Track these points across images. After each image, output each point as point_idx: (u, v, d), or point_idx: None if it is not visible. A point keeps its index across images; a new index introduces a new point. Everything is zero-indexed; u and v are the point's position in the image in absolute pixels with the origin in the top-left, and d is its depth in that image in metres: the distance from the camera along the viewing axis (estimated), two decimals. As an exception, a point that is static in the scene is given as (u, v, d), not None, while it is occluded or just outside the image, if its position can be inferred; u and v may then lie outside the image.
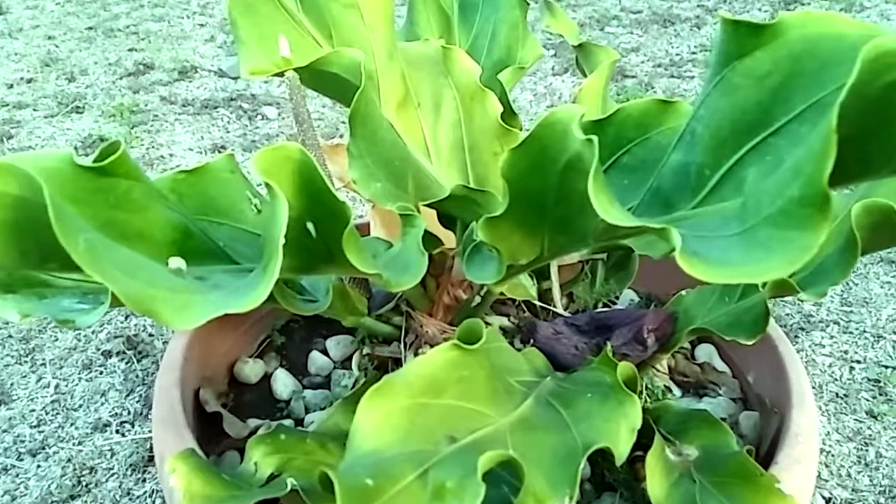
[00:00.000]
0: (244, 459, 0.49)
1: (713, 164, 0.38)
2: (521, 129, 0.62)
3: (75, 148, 1.72)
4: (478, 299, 0.58)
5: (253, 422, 0.62)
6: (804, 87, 0.35)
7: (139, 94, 2.00)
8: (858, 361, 1.11)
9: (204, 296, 0.33)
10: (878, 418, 1.02)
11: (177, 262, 0.38)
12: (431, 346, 0.61)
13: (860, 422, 1.01)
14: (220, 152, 1.69)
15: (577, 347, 0.57)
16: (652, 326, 0.57)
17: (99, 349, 1.19)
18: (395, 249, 0.48)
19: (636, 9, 2.40)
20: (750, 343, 0.53)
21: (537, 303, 0.62)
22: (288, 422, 0.64)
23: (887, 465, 0.96)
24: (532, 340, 0.57)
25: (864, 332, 1.16)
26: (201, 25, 2.47)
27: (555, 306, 0.62)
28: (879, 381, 1.07)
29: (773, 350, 0.61)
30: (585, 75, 0.75)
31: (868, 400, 1.05)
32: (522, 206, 0.43)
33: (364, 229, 0.72)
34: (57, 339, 1.20)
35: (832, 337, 1.15)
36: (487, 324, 0.62)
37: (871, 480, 0.94)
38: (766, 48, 0.35)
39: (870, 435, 1.00)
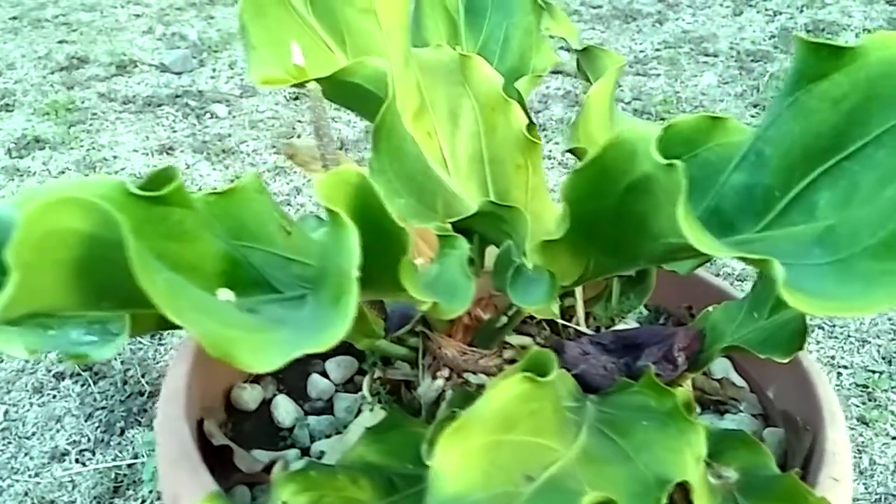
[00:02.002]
0: (271, 497, 0.48)
1: (782, 186, 0.39)
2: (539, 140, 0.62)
3: (8, 150, 1.66)
4: (503, 319, 0.58)
5: (259, 453, 0.61)
6: (881, 111, 0.36)
7: (74, 90, 1.94)
8: (845, 367, 1.15)
9: (276, 335, 0.32)
10: (870, 425, 1.05)
11: (226, 295, 0.37)
12: (451, 369, 0.61)
13: (852, 429, 1.04)
14: (168, 154, 1.66)
15: (606, 368, 0.58)
16: (682, 345, 0.58)
17: (50, 371, 1.15)
18: (432, 272, 0.48)
19: (596, 3, 2.43)
20: (785, 361, 0.54)
21: (560, 321, 0.62)
22: (294, 451, 0.63)
23: (881, 473, 1.00)
24: (561, 362, 0.57)
25: (849, 336, 1.20)
26: (137, 16, 2.41)
27: (578, 324, 0.63)
28: (868, 387, 1.11)
29: (796, 364, 0.62)
30: (588, 80, 0.75)
31: (858, 406, 1.08)
32: (577, 228, 0.43)
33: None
34: (2, 361, 1.16)
35: (818, 342, 1.19)
36: (508, 344, 0.62)
37: (866, 488, 0.98)
38: (843, 70, 0.36)
39: (862, 442, 1.03)
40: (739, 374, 0.70)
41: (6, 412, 1.08)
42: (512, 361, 0.62)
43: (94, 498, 0.97)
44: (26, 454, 1.03)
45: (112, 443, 1.04)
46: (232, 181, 1.60)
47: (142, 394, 1.11)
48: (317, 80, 0.53)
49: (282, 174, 1.62)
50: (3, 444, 1.04)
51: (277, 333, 0.32)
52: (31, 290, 0.27)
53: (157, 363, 1.17)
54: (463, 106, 0.59)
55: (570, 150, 0.71)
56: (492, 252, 0.63)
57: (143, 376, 1.14)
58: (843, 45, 0.36)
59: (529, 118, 0.60)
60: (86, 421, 1.07)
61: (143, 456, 1.01)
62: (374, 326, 0.57)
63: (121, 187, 0.33)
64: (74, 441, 1.04)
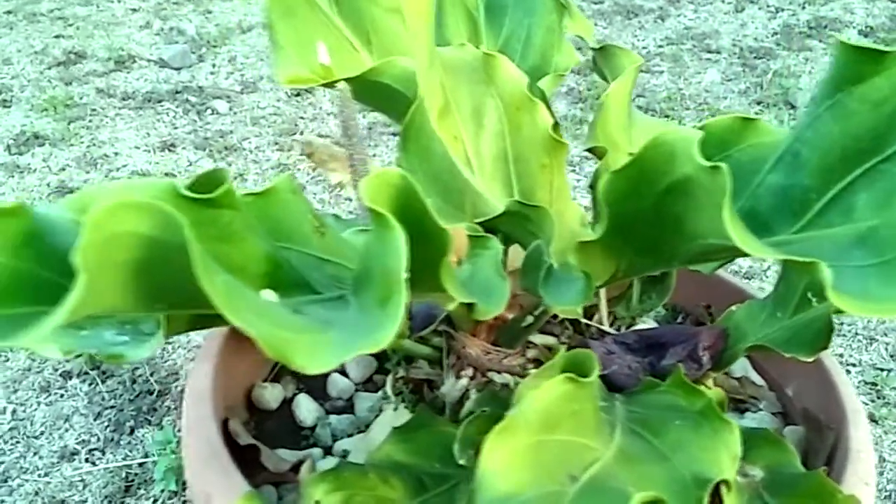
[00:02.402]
0: (303, 496, 0.49)
1: (820, 187, 0.40)
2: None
3: (7, 147, 1.66)
4: (529, 319, 0.58)
5: (283, 452, 0.61)
6: (921, 114, 0.37)
7: (72, 85, 1.94)
8: (854, 365, 1.16)
9: (327, 335, 0.33)
10: (879, 422, 1.06)
11: (269, 296, 0.38)
12: (475, 368, 0.61)
13: (862, 427, 1.05)
14: (170, 150, 1.66)
15: (631, 367, 0.58)
16: (706, 344, 0.58)
17: (56, 370, 1.15)
18: (465, 272, 0.48)
19: (598, -1, 2.44)
20: (810, 360, 0.55)
21: (583, 321, 0.63)
22: (317, 450, 0.63)
23: (891, 470, 1.01)
24: (585, 361, 0.58)
25: (857, 334, 1.21)
26: (133, 10, 2.40)
27: (601, 324, 0.63)
28: (876, 384, 1.12)
29: (817, 363, 0.63)
30: (605, 79, 0.76)
31: (867, 404, 1.09)
32: (614, 229, 0.43)
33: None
34: (8, 360, 1.16)
35: (827, 340, 1.20)
36: (532, 343, 0.62)
37: (875, 486, 0.99)
38: (884, 74, 0.37)
39: (871, 440, 1.04)
40: (758, 372, 0.71)
41: (13, 411, 1.08)
42: (536, 360, 0.62)
43: (106, 497, 0.97)
44: (35, 454, 1.03)
45: (122, 442, 1.04)
46: (235, 178, 1.60)
47: (150, 392, 1.12)
48: (345, 80, 0.53)
49: (285, 172, 1.62)
50: (12, 444, 1.04)
51: (328, 334, 0.33)
52: (96, 293, 0.27)
53: (166, 362, 1.17)
54: (487, 105, 0.60)
55: (589, 150, 0.71)
56: (516, 251, 0.63)
57: (151, 375, 1.14)
58: (884, 49, 0.37)
59: (554, 118, 0.61)
60: (95, 420, 1.07)
61: (153, 455, 1.01)
62: (402, 326, 0.58)
63: (172, 190, 0.33)
64: (84, 440, 1.05)
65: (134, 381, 1.13)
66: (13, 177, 1.56)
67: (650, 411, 0.49)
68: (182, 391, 1.12)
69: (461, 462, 0.47)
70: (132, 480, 0.99)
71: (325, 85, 0.54)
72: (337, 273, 0.46)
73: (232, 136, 1.74)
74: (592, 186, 0.72)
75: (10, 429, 1.06)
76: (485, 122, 0.60)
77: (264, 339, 0.30)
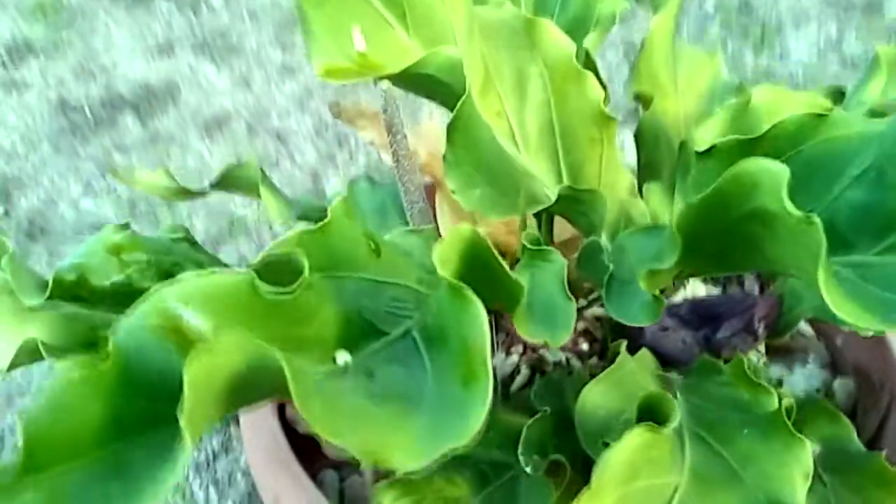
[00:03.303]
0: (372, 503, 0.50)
1: (906, 212, 0.39)
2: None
3: (2, 62, 1.61)
4: (582, 302, 0.58)
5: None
6: None
7: (57, -15, 1.85)
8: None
9: (415, 427, 0.33)
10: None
11: (343, 357, 0.38)
12: (524, 345, 0.62)
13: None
14: (168, 55, 1.60)
15: (685, 341, 0.59)
16: (762, 314, 0.58)
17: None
18: (521, 283, 0.48)
19: None
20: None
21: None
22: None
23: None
24: (640, 338, 0.58)
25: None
26: None
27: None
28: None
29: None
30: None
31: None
32: (684, 251, 0.42)
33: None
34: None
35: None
36: (581, 313, 0.62)
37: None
38: None
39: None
40: (807, 322, 0.71)
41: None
42: (585, 332, 0.63)
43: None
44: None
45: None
46: (241, 84, 1.56)
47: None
48: (388, 75, 0.51)
49: (290, 75, 1.57)
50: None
51: (415, 424, 0.33)
52: (195, 424, 0.27)
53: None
54: (530, 73, 0.57)
55: (634, 97, 0.69)
56: (562, 223, 0.62)
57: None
58: None
59: (605, 88, 0.58)
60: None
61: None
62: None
63: (248, 287, 0.32)
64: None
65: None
66: (12, 95, 1.52)
67: (713, 407, 0.50)
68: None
69: (527, 470, 0.48)
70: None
71: (362, 76, 0.51)
72: (396, 295, 0.46)
73: (231, 35, 1.68)
74: (637, 136, 0.70)
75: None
76: (528, 91, 0.58)
77: (361, 451, 0.30)
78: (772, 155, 0.45)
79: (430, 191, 0.67)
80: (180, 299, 0.32)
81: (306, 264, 0.34)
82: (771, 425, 0.45)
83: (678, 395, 0.52)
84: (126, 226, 0.50)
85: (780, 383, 0.66)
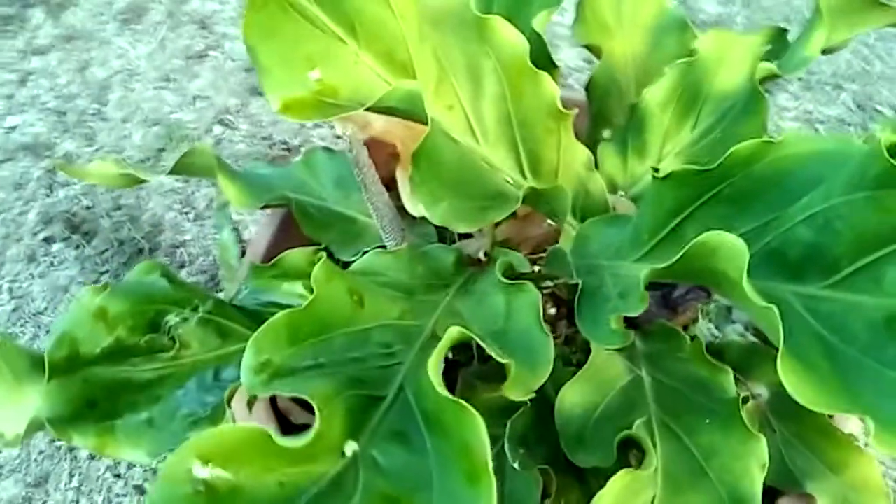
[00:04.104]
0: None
1: (852, 257, 0.42)
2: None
3: None
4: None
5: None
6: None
7: None
8: (822, 122, 1.21)
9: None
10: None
11: (351, 448, 0.41)
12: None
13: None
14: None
15: (644, 303, 0.63)
16: (714, 273, 0.63)
17: (36, 234, 1.16)
18: (496, 318, 0.50)
19: None
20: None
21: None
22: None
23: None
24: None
25: (824, 84, 1.24)
26: None
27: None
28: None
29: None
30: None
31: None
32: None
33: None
34: (-16, 235, 1.16)
35: (796, 97, 1.23)
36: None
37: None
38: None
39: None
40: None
41: (10, 290, 1.11)
42: (552, 295, 0.67)
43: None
44: (47, 332, 1.08)
45: (129, 309, 1.09)
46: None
47: (140, 250, 1.14)
48: (349, 106, 0.51)
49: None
50: (21, 325, 1.08)
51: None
52: None
53: (144, 213, 1.18)
54: (484, 67, 0.57)
55: (585, 47, 0.69)
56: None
57: (132, 230, 1.16)
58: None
59: (551, 63, 0.59)
60: (95, 291, 1.11)
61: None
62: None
63: (263, 438, 0.35)
64: (91, 313, 1.09)
65: (121, 243, 1.15)
66: None
67: (676, 384, 0.55)
68: (174, 245, 1.15)
69: (515, 465, 0.54)
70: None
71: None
72: (382, 338, 0.49)
73: None
74: (588, 89, 0.71)
75: (14, 309, 1.10)
76: (483, 84, 0.58)
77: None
78: (723, 180, 0.48)
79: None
80: (202, 458, 0.35)
81: (317, 422, 0.36)
82: (730, 418, 0.51)
83: (643, 372, 0.57)
84: (104, 286, 0.51)
85: (728, 315, 0.72)
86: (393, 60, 0.55)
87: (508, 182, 0.59)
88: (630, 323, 0.63)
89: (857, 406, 0.38)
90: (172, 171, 0.66)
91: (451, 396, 0.38)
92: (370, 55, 0.54)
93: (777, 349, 0.38)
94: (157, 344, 0.52)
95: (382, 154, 0.73)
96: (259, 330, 0.44)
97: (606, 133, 0.70)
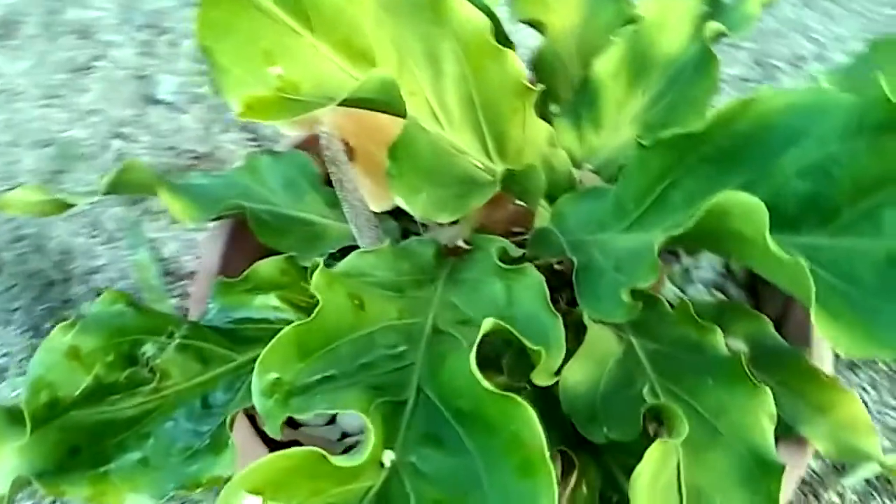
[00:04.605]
0: None
1: (850, 203, 0.43)
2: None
3: None
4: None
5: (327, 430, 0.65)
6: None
7: None
8: (725, 81, 1.25)
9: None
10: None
11: (388, 458, 0.39)
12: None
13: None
14: None
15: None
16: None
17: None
18: (497, 300, 0.49)
19: None
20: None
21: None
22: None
23: None
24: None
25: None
26: None
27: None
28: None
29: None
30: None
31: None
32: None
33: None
34: None
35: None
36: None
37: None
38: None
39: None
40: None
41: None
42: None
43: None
44: (-40, 382, 1.00)
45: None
46: None
47: (52, 283, 1.07)
48: (316, 103, 0.48)
49: None
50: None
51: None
52: None
53: (52, 240, 1.10)
54: (442, 49, 0.55)
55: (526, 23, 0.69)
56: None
57: (41, 261, 1.08)
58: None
59: (506, 39, 0.58)
60: (6, 328, 1.03)
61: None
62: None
63: (316, 466, 0.33)
64: (6, 354, 1.01)
65: (29, 276, 1.07)
66: None
67: (668, 349, 0.56)
68: (88, 273, 1.08)
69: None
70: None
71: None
72: (387, 339, 0.47)
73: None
74: (534, 65, 0.70)
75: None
76: (443, 67, 0.56)
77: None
78: (715, 144, 0.48)
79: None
80: (253, 491, 0.33)
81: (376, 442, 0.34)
82: (731, 375, 0.52)
83: (634, 341, 0.58)
84: (73, 324, 0.47)
85: (689, 276, 0.73)
86: (351, 48, 0.53)
87: (477, 166, 0.58)
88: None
89: (885, 348, 0.39)
90: (108, 192, 0.61)
91: (496, 390, 0.37)
92: (327, 45, 0.52)
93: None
94: (137, 378, 0.49)
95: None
96: (266, 349, 0.42)
97: (554, 108, 0.69)
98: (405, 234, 0.67)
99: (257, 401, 0.41)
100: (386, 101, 0.47)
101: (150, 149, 1.19)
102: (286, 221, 0.65)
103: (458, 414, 0.41)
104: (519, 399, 0.36)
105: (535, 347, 0.41)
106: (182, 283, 1.08)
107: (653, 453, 0.43)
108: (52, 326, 1.02)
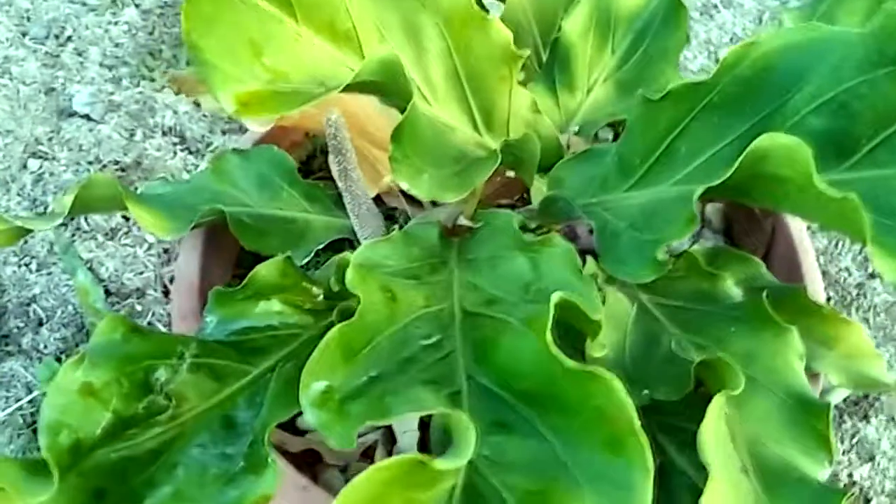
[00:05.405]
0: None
1: (870, 134, 0.43)
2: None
3: None
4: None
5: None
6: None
7: None
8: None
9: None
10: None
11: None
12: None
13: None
14: None
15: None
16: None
17: None
18: (521, 273, 0.47)
19: None
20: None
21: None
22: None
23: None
24: (576, 243, 0.61)
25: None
26: None
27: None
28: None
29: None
30: None
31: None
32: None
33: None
34: None
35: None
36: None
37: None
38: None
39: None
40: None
41: None
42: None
43: (20, 449, 0.91)
44: None
45: (-6, 386, 0.94)
46: None
47: (-14, 318, 0.99)
48: (313, 93, 0.45)
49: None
50: None
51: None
52: None
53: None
54: (422, 24, 0.53)
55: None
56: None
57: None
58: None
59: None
60: (-54, 376, 0.95)
61: (36, 387, 0.93)
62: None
63: (413, 473, 0.30)
64: (-51, 402, 0.93)
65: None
66: None
67: (683, 303, 0.55)
68: (24, 303, 1.00)
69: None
70: (34, 420, 0.92)
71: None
72: (421, 330, 0.45)
73: None
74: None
75: None
76: (425, 43, 0.54)
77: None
78: (720, 91, 0.47)
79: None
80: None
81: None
82: (754, 319, 0.51)
83: (645, 299, 0.57)
84: (81, 359, 0.43)
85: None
86: (335, 31, 0.49)
87: (469, 142, 0.56)
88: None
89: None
90: (71, 212, 0.56)
91: (578, 366, 0.35)
92: (311, 29, 0.49)
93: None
94: (155, 406, 0.45)
95: (286, 142, 0.68)
96: (313, 356, 0.39)
97: (519, 76, 0.68)
98: (389, 218, 0.64)
99: (311, 415, 0.38)
100: (390, 82, 0.45)
101: (71, 164, 1.12)
102: (266, 222, 0.61)
103: (524, 397, 0.39)
104: (601, 372, 0.35)
105: (596, 318, 0.39)
106: (128, 301, 1.02)
107: (714, 408, 0.42)
108: (-6, 366, 0.95)
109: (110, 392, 0.43)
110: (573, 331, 0.44)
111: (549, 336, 0.35)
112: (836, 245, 1.08)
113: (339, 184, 0.50)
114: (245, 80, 0.44)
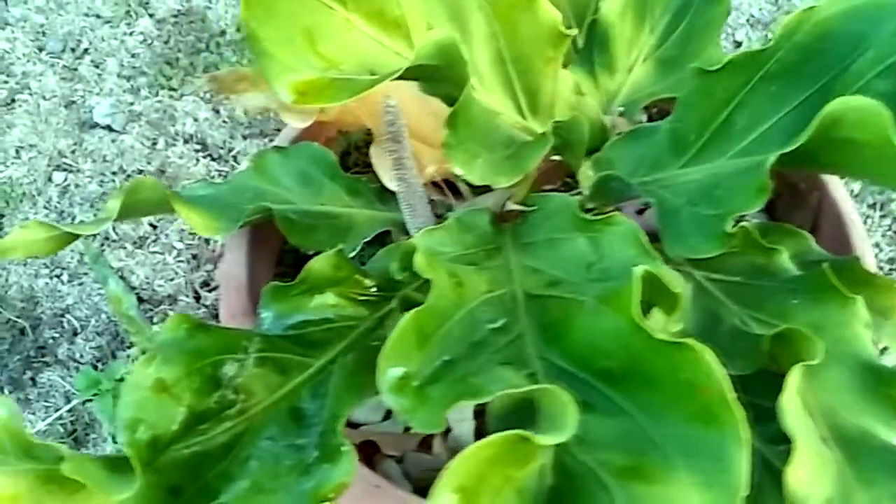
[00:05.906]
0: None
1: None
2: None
3: None
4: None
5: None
6: None
7: None
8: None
9: (682, 475, 0.33)
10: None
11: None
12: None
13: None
14: None
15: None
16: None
17: None
18: (582, 256, 0.46)
19: None
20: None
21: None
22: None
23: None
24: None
25: None
26: None
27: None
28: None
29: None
30: None
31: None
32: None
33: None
34: None
35: None
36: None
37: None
38: None
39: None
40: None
41: None
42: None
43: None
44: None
45: (32, 396, 0.94)
46: None
47: (23, 331, 0.99)
48: (368, 80, 0.44)
49: None
50: None
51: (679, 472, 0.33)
52: None
53: (9, 289, 1.01)
54: (468, 7, 0.52)
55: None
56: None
57: (5, 310, 0.99)
58: None
59: None
60: (-16, 389, 0.95)
61: (75, 396, 0.93)
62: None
63: (515, 448, 0.30)
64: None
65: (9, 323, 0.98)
66: None
67: (739, 278, 0.55)
68: (58, 315, 1.00)
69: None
70: (74, 429, 0.92)
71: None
72: (487, 314, 0.44)
73: None
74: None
75: None
76: (471, 27, 0.53)
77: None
78: (778, 59, 0.47)
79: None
80: (458, 489, 0.29)
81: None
82: (816, 290, 0.51)
83: (699, 276, 0.56)
84: (153, 356, 0.42)
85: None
86: (384, 18, 0.49)
87: (514, 126, 0.55)
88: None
89: None
90: (119, 216, 0.56)
91: (669, 338, 0.34)
92: (361, 17, 0.48)
93: None
94: (226, 401, 0.44)
95: (321, 139, 0.67)
96: (389, 343, 0.38)
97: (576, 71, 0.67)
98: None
99: (392, 400, 0.37)
100: (446, 66, 0.44)
101: (96, 175, 1.11)
102: (311, 217, 0.61)
103: (603, 375, 0.38)
104: (692, 343, 0.34)
105: (677, 290, 0.38)
106: (160, 307, 1.02)
107: (793, 378, 0.41)
108: (33, 377, 0.94)
109: (182, 387, 0.42)
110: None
111: (634, 310, 0.35)
112: (866, 221, 1.07)
113: (393, 172, 0.50)
114: (300, 70, 0.44)
